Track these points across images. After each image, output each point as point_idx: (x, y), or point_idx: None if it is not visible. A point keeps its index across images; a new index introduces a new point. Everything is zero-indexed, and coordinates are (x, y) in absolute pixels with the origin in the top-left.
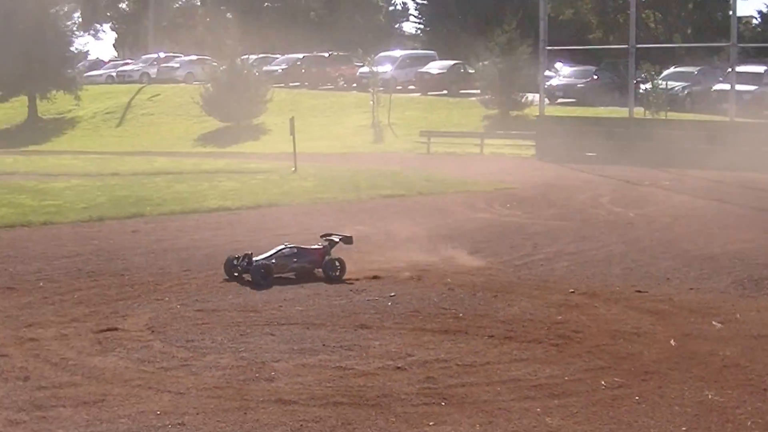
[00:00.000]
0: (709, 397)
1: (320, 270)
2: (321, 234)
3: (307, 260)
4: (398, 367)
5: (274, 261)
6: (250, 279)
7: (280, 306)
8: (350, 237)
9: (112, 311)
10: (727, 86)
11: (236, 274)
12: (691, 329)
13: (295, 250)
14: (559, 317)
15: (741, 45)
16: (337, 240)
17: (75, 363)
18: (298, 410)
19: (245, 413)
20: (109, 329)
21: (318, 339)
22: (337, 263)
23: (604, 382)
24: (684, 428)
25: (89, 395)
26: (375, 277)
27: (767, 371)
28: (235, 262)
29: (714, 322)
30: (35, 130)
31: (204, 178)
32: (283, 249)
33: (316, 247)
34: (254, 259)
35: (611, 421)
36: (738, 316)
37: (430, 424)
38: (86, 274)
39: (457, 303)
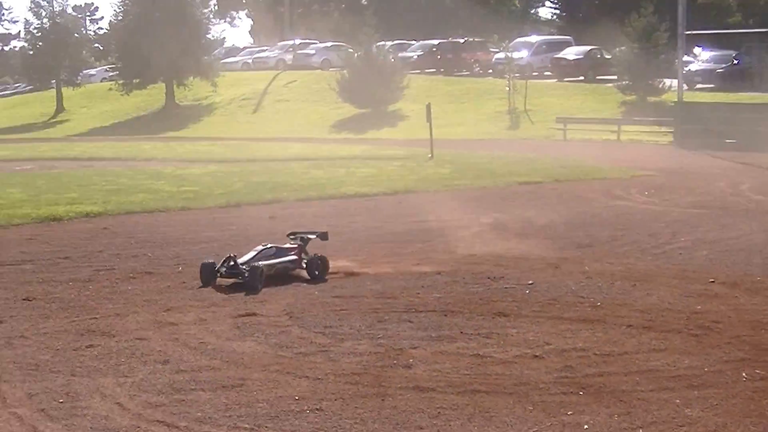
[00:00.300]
0: None
1: (299, 270)
2: (288, 233)
3: (289, 260)
4: (536, 356)
5: (263, 263)
6: (246, 282)
7: (418, 293)
8: (326, 233)
9: (250, 296)
10: None
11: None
12: None
13: (274, 250)
14: (699, 307)
15: None
16: (312, 237)
17: (214, 347)
18: (436, 397)
19: (383, 400)
20: (247, 314)
21: (456, 326)
22: (319, 261)
23: (745, 374)
24: None
25: (228, 379)
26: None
27: None
28: (218, 265)
29: None
30: (172, 117)
31: (340, 165)
32: (263, 250)
33: (291, 245)
34: (239, 261)
35: (752, 414)
36: None
37: (568, 413)
38: None
39: (595, 292)
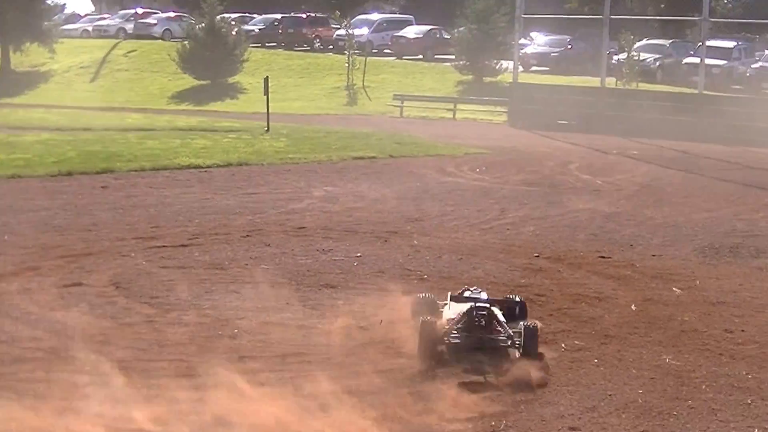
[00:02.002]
0: (667, 360)
1: None
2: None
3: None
4: (361, 327)
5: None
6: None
7: (246, 264)
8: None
9: (77, 266)
10: (697, 60)
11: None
12: (651, 294)
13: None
14: (523, 280)
15: (712, 20)
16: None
17: (37, 317)
18: (256, 367)
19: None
20: (73, 284)
21: (282, 297)
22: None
23: (564, 345)
24: (640, 391)
25: (50, 350)
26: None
27: (723, 336)
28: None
29: (674, 288)
30: (7, 83)
31: (176, 136)
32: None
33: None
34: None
35: (569, 383)
36: (697, 282)
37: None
38: (53, 228)
39: (423, 264)
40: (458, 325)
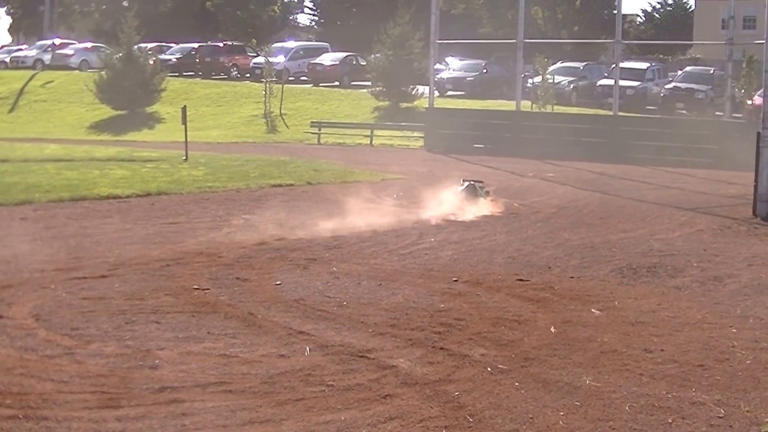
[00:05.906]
0: (587, 382)
1: None
2: None
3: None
4: (282, 355)
5: None
6: None
7: (167, 294)
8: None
9: None
10: (611, 81)
11: None
12: (570, 316)
13: None
14: (442, 305)
15: (625, 42)
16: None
17: None
18: (183, 398)
19: (128, 401)
20: None
21: (203, 327)
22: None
23: (490, 369)
24: (562, 413)
25: None
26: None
27: (643, 357)
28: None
29: (593, 310)
30: None
31: (95, 166)
32: None
33: None
34: None
35: (491, 407)
36: (616, 303)
37: (314, 409)
38: None
39: (342, 291)
40: None
